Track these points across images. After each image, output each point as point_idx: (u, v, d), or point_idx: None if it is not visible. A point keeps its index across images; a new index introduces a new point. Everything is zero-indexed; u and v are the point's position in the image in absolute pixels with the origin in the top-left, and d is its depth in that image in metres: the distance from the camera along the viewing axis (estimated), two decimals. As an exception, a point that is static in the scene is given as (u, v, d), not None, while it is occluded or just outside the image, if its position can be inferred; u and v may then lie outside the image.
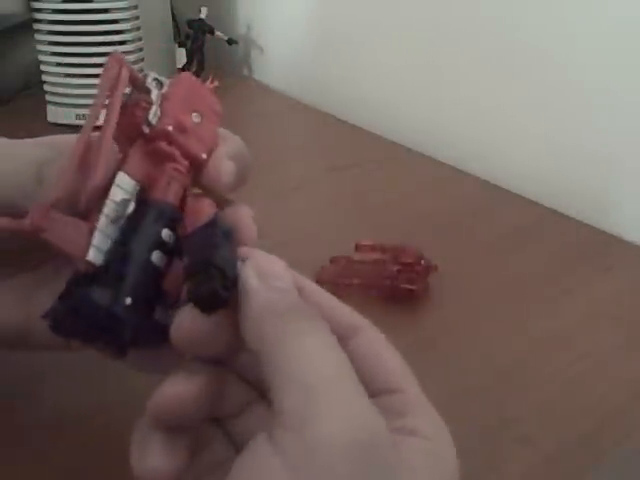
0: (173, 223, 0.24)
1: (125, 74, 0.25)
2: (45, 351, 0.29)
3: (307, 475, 0.17)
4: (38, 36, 0.72)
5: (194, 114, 0.26)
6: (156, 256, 0.23)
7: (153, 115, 0.25)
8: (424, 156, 0.65)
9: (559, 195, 0.57)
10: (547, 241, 0.51)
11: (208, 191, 0.27)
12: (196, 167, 0.26)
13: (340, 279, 0.43)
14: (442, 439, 0.21)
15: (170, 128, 0.25)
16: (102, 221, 0.23)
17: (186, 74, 0.28)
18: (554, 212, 0.55)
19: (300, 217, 0.54)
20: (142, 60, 0.73)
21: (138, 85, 0.26)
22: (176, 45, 0.85)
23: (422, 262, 0.43)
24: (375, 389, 0.22)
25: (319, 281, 0.43)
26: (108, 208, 0.23)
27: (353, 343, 0.23)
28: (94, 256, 0.22)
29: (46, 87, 0.72)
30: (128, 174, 0.24)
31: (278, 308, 0.21)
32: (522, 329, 0.41)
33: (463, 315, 0.42)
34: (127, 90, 0.25)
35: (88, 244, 0.22)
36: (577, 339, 0.40)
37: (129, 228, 0.23)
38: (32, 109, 0.72)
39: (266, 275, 0.22)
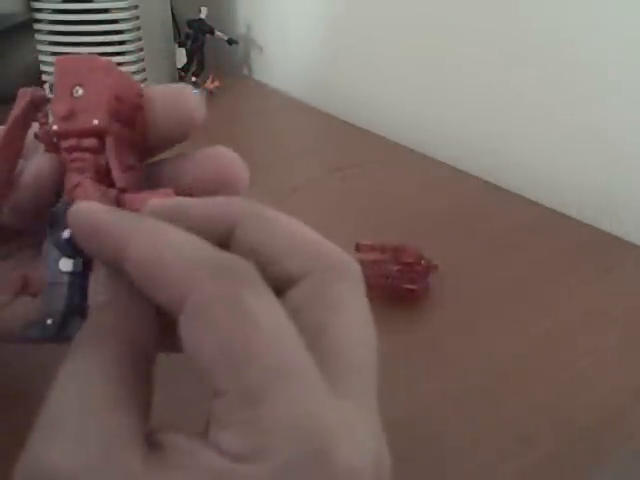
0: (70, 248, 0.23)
1: (22, 102, 0.25)
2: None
3: None
4: (38, 36, 0.72)
5: (74, 90, 0.24)
6: (64, 263, 0.22)
7: (50, 123, 0.24)
8: (424, 156, 0.65)
9: (559, 195, 0.57)
10: (547, 241, 0.51)
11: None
12: (104, 135, 0.24)
13: (340, 279, 0.43)
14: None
15: (55, 127, 0.24)
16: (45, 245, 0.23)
17: (57, 58, 0.25)
18: (554, 212, 0.55)
19: (300, 217, 0.54)
20: (142, 60, 0.74)
21: (45, 102, 0.25)
22: (176, 45, 0.85)
23: (422, 262, 0.43)
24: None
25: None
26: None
27: None
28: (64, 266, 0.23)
29: (46, 87, 0.72)
30: (62, 201, 0.23)
31: None
32: (522, 329, 0.41)
33: (463, 315, 0.42)
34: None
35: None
36: (577, 339, 0.40)
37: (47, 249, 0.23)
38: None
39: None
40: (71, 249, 0.21)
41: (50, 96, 0.25)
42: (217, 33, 0.86)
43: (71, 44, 0.70)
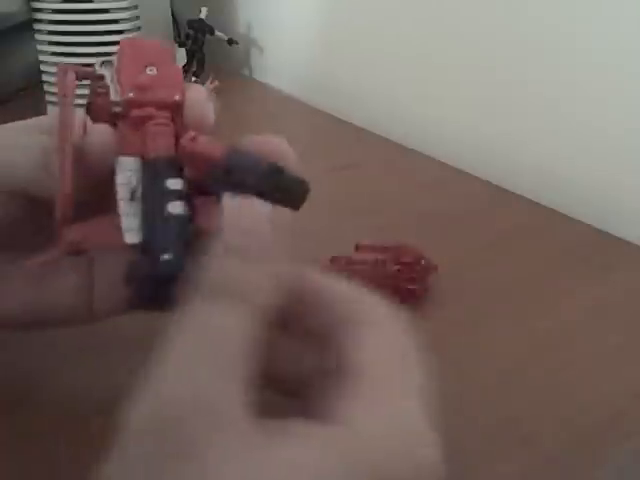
0: (174, 171, 0.25)
1: (71, 77, 0.25)
2: (59, 328, 0.30)
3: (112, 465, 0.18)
4: (38, 36, 0.72)
5: (148, 68, 0.27)
6: (172, 206, 0.24)
7: (114, 94, 0.26)
8: (424, 156, 0.65)
9: (559, 195, 0.57)
10: (547, 241, 0.51)
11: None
12: (177, 111, 0.26)
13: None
14: (363, 431, 0.19)
15: (131, 95, 0.26)
16: (121, 205, 0.24)
17: (123, 40, 0.28)
18: (554, 212, 0.55)
19: (300, 217, 0.54)
20: (142, 60, 0.73)
21: (92, 77, 0.27)
22: (176, 45, 0.85)
23: (422, 262, 0.43)
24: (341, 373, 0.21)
25: (319, 281, 0.43)
26: (120, 192, 0.24)
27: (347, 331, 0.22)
28: (130, 237, 0.24)
29: (46, 87, 0.72)
30: (124, 155, 0.25)
31: (204, 279, 0.20)
32: (522, 329, 0.41)
33: (463, 315, 0.42)
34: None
35: (121, 231, 0.24)
36: (577, 339, 0.40)
37: (143, 196, 0.24)
38: (32, 109, 0.72)
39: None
40: (179, 195, 0.24)
41: (102, 72, 0.27)
42: (217, 33, 0.86)
43: (71, 44, 0.70)
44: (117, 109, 0.26)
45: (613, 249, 0.50)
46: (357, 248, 0.45)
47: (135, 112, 0.26)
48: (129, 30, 0.70)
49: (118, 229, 0.24)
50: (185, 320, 0.19)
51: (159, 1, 0.79)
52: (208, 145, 0.24)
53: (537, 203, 0.56)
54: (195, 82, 0.83)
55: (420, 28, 0.69)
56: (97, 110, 0.27)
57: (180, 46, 0.86)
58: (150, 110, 0.25)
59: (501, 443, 0.32)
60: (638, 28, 0.51)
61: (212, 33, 0.86)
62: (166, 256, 0.23)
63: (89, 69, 0.27)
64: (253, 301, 0.20)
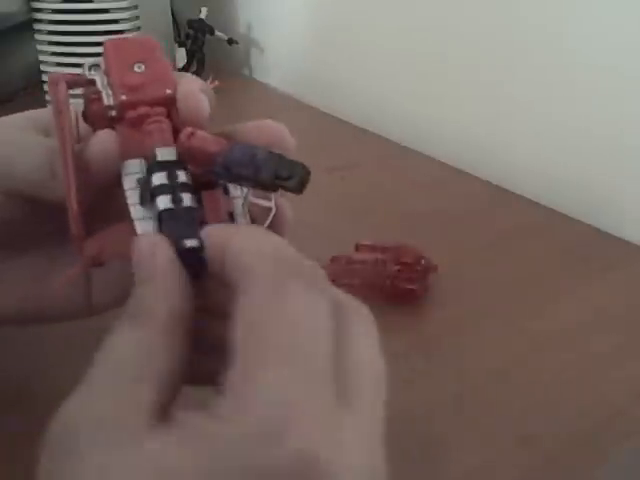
0: (178, 165, 0.24)
1: (62, 87, 0.25)
2: (58, 323, 0.30)
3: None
4: (38, 36, 0.72)
5: (136, 66, 0.26)
6: (185, 198, 0.24)
7: (107, 98, 0.26)
8: (424, 156, 0.65)
9: (559, 195, 0.57)
10: (547, 241, 0.51)
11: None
12: (172, 105, 0.26)
13: (340, 279, 0.43)
14: (231, 420, 0.18)
15: (124, 97, 0.25)
16: (133, 211, 0.24)
17: (107, 41, 0.27)
18: (554, 212, 0.55)
19: (300, 217, 0.54)
20: (142, 60, 0.73)
21: (83, 84, 0.27)
22: (176, 45, 0.85)
23: (422, 262, 0.43)
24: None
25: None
26: (130, 197, 0.24)
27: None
28: None
29: (46, 87, 0.72)
30: (127, 158, 0.25)
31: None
32: (522, 329, 0.41)
33: (463, 315, 0.42)
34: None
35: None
36: (577, 339, 0.40)
37: (153, 192, 0.24)
38: (32, 109, 0.72)
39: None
40: (188, 188, 0.24)
41: (91, 77, 0.27)
42: (217, 33, 0.86)
43: (71, 44, 0.70)
44: (113, 113, 0.26)
45: (613, 249, 0.50)
46: (357, 248, 0.45)
47: (130, 113, 0.25)
48: (129, 30, 0.70)
49: (134, 235, 0.23)
50: (107, 343, 0.20)
51: (159, 1, 0.79)
52: (206, 140, 0.24)
53: (537, 203, 0.56)
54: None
55: (420, 29, 0.69)
56: (93, 117, 0.26)
57: (180, 46, 0.86)
58: (144, 109, 0.25)
59: (501, 443, 0.32)
60: (635, 29, 0.51)
61: (212, 33, 0.86)
62: (189, 242, 0.22)
63: (80, 76, 0.27)
64: (148, 320, 0.21)
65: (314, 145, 0.72)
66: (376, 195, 0.57)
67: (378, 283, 0.42)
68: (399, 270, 0.42)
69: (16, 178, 0.26)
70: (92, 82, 0.26)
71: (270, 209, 0.25)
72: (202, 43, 0.85)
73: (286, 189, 0.23)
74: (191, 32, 0.85)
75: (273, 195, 0.24)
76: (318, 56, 0.84)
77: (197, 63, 0.85)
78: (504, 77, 0.62)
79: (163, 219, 0.23)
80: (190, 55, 0.85)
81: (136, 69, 0.26)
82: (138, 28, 0.72)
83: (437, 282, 0.44)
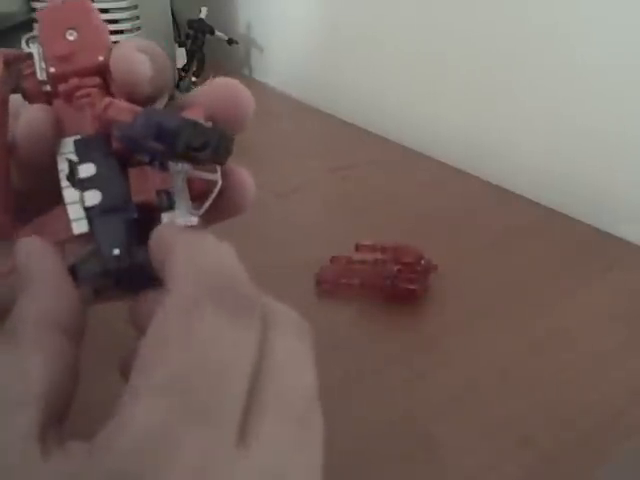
0: (94, 151, 0.22)
1: None
2: None
3: None
4: (38, 36, 0.72)
5: (67, 32, 0.24)
6: (88, 197, 0.22)
7: (40, 72, 0.24)
8: (424, 156, 0.65)
9: (559, 195, 0.57)
10: (547, 241, 0.51)
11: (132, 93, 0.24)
12: (107, 74, 0.24)
13: (340, 279, 0.43)
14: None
15: (52, 69, 0.23)
16: (65, 194, 0.22)
17: (41, 9, 0.25)
18: (554, 212, 0.55)
19: (300, 217, 0.54)
20: (142, 60, 0.73)
21: (22, 58, 0.25)
22: (176, 45, 0.85)
23: (422, 262, 0.43)
24: None
25: (319, 281, 0.43)
26: (62, 180, 0.22)
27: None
28: (77, 227, 0.22)
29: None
30: (65, 136, 0.23)
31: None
32: (522, 329, 0.41)
33: (463, 315, 0.42)
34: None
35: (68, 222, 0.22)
36: (577, 339, 0.40)
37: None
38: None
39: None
40: (93, 182, 0.22)
41: (29, 50, 0.24)
42: (217, 33, 0.86)
43: (71, 44, 0.70)
44: (47, 88, 0.24)
45: (613, 249, 0.50)
46: (357, 248, 0.45)
47: (62, 87, 0.23)
48: (129, 30, 0.70)
49: (67, 220, 0.22)
50: None
51: (159, 1, 0.78)
52: (121, 110, 0.22)
53: (537, 203, 0.56)
54: (195, 82, 0.83)
55: (420, 29, 0.69)
56: (30, 93, 0.24)
57: (180, 46, 0.86)
58: (75, 81, 0.23)
59: (501, 443, 0.32)
60: (629, 28, 0.51)
61: (212, 33, 0.86)
62: (116, 251, 0.21)
63: (16, 51, 0.24)
64: (30, 335, 0.18)
65: (314, 145, 0.72)
66: (376, 195, 0.57)
67: (378, 283, 0.42)
68: (399, 270, 0.43)
69: None
70: (30, 56, 0.24)
71: (209, 184, 0.22)
72: (202, 43, 0.85)
73: (201, 161, 0.21)
74: (191, 32, 0.85)
75: (218, 168, 0.22)
76: (318, 56, 0.84)
77: (197, 63, 0.85)
78: (504, 78, 0.62)
79: (93, 218, 0.22)
80: (190, 55, 0.85)
81: (68, 37, 0.23)
82: (138, 28, 0.72)
83: (437, 282, 0.44)
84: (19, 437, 0.17)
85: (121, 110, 0.22)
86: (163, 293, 0.19)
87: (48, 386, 0.18)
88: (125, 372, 0.20)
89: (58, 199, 0.22)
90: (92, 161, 0.22)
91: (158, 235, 0.21)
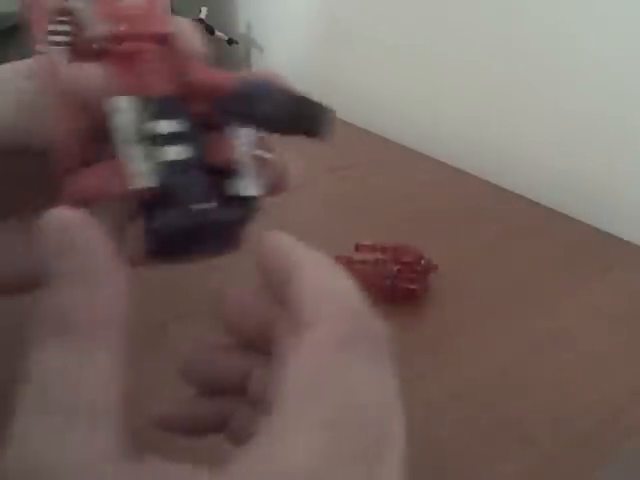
0: (172, 111, 0.22)
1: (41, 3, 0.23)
2: None
3: None
4: (38, 36, 0.72)
5: None
6: (171, 152, 0.22)
7: (94, 28, 0.23)
8: (424, 156, 0.65)
9: (559, 195, 0.57)
10: (547, 241, 0.51)
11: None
12: (170, 45, 0.23)
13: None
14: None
15: (116, 28, 0.22)
16: (121, 150, 0.21)
17: None
18: (554, 212, 0.55)
19: (300, 217, 0.54)
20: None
21: (66, 12, 0.24)
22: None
23: (422, 262, 0.43)
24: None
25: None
26: (120, 135, 0.22)
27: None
28: (140, 182, 0.21)
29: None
30: (116, 94, 0.22)
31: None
32: (522, 329, 0.41)
33: (463, 315, 0.42)
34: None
35: (126, 178, 0.21)
36: (577, 339, 0.40)
37: (141, 141, 0.22)
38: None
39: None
40: (177, 138, 0.22)
41: (74, 4, 0.23)
42: (217, 33, 0.86)
43: (71, 44, 0.70)
44: (101, 44, 0.23)
45: (613, 249, 0.50)
46: (357, 248, 0.45)
47: (123, 47, 0.23)
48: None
49: (123, 175, 0.21)
50: (33, 368, 0.16)
51: (159, 1, 0.79)
52: (216, 74, 0.21)
53: (537, 203, 0.56)
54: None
55: (420, 28, 0.69)
56: (79, 49, 0.23)
57: (180, 46, 0.86)
58: (140, 45, 0.23)
59: (501, 443, 0.32)
60: (629, 28, 0.51)
61: (212, 33, 0.86)
62: (199, 205, 0.20)
63: (62, 3, 0.23)
64: (99, 333, 0.16)
65: (314, 145, 0.72)
66: (376, 195, 0.57)
67: (378, 283, 0.42)
68: (399, 270, 0.42)
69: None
70: (74, 11, 0.24)
71: (266, 161, 0.22)
72: (202, 43, 0.85)
73: (309, 132, 0.21)
74: (191, 32, 0.85)
75: (273, 149, 0.23)
76: (318, 56, 0.84)
77: (197, 63, 0.85)
78: (505, 78, 0.62)
79: (173, 173, 0.21)
80: (190, 55, 0.85)
81: None
82: (138, 28, 0.72)
83: (437, 282, 0.44)
84: (101, 456, 0.15)
85: (213, 74, 0.22)
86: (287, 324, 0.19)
87: (122, 391, 0.16)
88: (189, 378, 0.22)
89: (93, 157, 0.22)
90: (172, 118, 0.22)
91: (275, 244, 0.20)
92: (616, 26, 0.52)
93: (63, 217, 0.17)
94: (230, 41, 0.88)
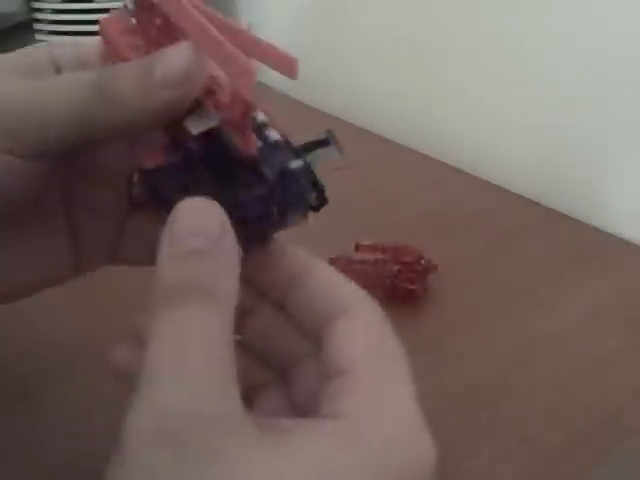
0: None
1: None
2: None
3: (116, 475, 0.16)
4: (38, 36, 0.72)
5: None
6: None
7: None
8: (424, 156, 0.65)
9: (559, 195, 0.57)
10: (547, 241, 0.51)
11: None
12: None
13: (340, 279, 0.43)
14: (378, 420, 0.19)
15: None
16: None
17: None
18: (554, 212, 0.55)
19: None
20: (142, 60, 0.73)
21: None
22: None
23: (422, 262, 0.43)
24: (331, 373, 0.20)
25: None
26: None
27: (331, 326, 0.22)
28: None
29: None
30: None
31: (163, 286, 0.18)
32: (522, 329, 0.41)
33: (463, 315, 0.42)
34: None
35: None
36: (577, 339, 0.40)
37: None
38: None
39: (175, 238, 0.19)
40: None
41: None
42: (217, 33, 0.86)
43: (71, 44, 0.70)
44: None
45: (613, 249, 0.50)
46: (357, 248, 0.45)
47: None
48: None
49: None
50: (161, 325, 0.18)
51: (159, 1, 0.79)
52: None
53: (537, 203, 0.56)
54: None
55: (420, 28, 0.69)
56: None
57: (180, 46, 0.86)
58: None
59: (501, 443, 0.32)
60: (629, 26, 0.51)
61: (212, 33, 0.86)
62: (295, 164, 0.22)
63: None
64: (223, 299, 0.18)
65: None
66: (376, 195, 0.57)
67: (378, 283, 0.42)
68: (399, 270, 0.42)
69: (51, 125, 0.21)
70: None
71: None
72: (202, 43, 0.85)
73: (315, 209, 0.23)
74: (191, 32, 0.85)
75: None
76: (318, 56, 0.84)
77: (197, 63, 0.85)
78: (504, 78, 0.62)
79: (270, 150, 0.22)
80: (190, 55, 0.85)
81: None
82: (138, 28, 0.72)
83: (437, 282, 0.44)
84: (236, 414, 0.17)
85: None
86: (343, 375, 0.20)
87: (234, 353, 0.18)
88: None
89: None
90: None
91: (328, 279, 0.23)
92: (619, 28, 0.52)
93: (198, 204, 0.19)
94: (230, 41, 0.88)
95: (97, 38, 0.25)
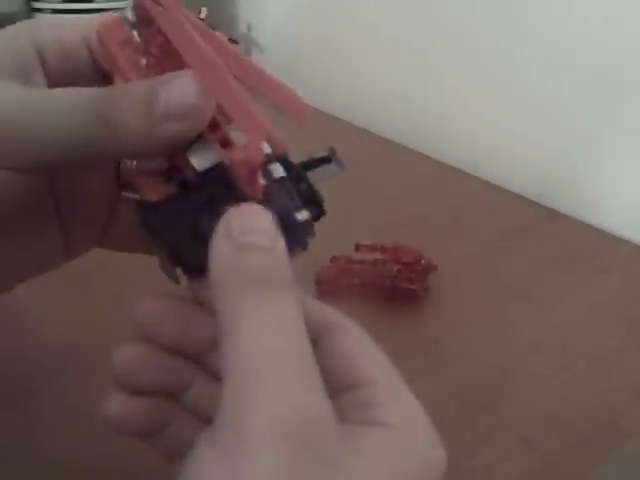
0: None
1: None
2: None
3: (240, 470, 0.16)
4: (38, 36, 0.72)
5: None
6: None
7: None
8: (424, 156, 0.65)
9: (559, 195, 0.57)
10: (547, 241, 0.51)
11: None
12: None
13: (340, 279, 0.43)
14: (414, 427, 0.20)
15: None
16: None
17: None
18: (554, 212, 0.55)
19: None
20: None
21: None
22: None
23: (422, 262, 0.43)
24: (344, 385, 0.21)
25: (319, 281, 0.43)
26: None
27: (325, 342, 0.22)
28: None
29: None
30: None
31: (243, 272, 0.18)
32: (522, 329, 0.41)
33: (463, 315, 0.42)
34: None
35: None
36: (577, 339, 0.40)
37: None
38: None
39: (238, 230, 0.19)
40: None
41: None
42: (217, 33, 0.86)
43: (71, 44, 0.70)
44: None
45: (613, 249, 0.50)
46: (357, 248, 0.45)
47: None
48: (129, 30, 0.70)
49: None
50: (254, 317, 0.18)
51: (159, 1, 0.79)
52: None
53: (537, 203, 0.56)
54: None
55: (420, 28, 0.69)
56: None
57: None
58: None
59: (501, 443, 0.32)
60: (622, 29, 0.51)
61: (212, 33, 0.86)
62: (301, 215, 0.22)
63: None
64: (295, 290, 0.19)
65: (314, 146, 0.72)
66: (376, 195, 0.57)
67: (378, 283, 0.42)
68: (399, 270, 0.42)
69: (57, 146, 0.21)
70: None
71: None
72: (202, 43, 0.85)
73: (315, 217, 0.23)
74: (191, 32, 0.85)
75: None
76: (318, 56, 0.84)
77: (197, 63, 0.85)
78: (505, 78, 0.62)
79: (275, 188, 0.22)
80: (190, 55, 0.85)
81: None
82: (138, 28, 0.72)
83: (437, 282, 0.44)
84: (320, 416, 0.17)
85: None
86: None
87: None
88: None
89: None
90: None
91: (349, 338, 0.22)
92: (618, 28, 0.52)
93: (254, 207, 0.20)
94: (230, 41, 0.88)
95: (80, 21, 0.25)
